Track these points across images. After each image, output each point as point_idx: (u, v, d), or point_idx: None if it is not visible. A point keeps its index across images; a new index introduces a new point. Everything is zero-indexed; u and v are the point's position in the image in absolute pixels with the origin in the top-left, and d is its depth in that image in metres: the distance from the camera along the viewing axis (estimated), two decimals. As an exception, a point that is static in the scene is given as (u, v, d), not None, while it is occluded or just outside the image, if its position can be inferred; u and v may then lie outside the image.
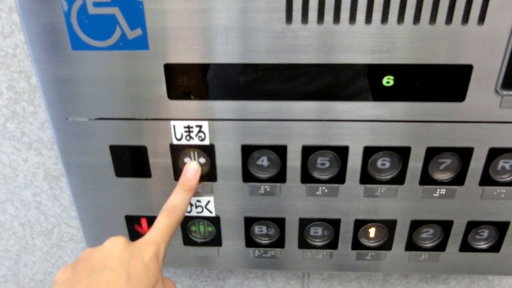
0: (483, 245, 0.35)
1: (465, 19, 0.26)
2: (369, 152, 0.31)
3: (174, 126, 0.31)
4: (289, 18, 0.26)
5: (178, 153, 0.32)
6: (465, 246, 0.35)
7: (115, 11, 0.27)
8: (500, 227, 0.34)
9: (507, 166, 0.31)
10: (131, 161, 0.32)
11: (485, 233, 0.34)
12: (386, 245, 0.35)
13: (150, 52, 0.28)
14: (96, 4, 0.26)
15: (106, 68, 0.29)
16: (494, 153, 0.30)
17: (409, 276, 0.45)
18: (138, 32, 0.27)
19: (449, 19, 0.26)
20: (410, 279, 0.45)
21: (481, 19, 0.26)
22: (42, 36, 0.28)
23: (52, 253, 0.47)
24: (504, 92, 0.28)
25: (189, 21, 0.27)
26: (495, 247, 0.35)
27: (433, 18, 0.26)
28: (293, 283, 0.46)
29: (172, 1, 0.26)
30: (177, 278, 0.47)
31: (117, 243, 0.25)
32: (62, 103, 0.31)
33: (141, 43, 0.28)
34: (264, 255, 0.37)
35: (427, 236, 0.35)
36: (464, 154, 0.31)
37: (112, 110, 0.30)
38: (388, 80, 0.28)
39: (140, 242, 0.26)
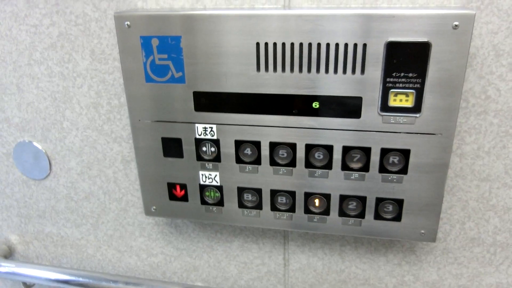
0: (388, 215, 0.53)
1: (353, 71, 0.47)
2: (309, 147, 0.51)
3: (197, 127, 0.54)
4: (258, 69, 0.49)
5: (199, 143, 0.55)
6: (377, 216, 0.54)
7: (169, 63, 0.51)
8: (398, 203, 0.52)
9: (395, 160, 0.50)
10: (172, 147, 0.56)
11: (390, 207, 0.53)
12: (326, 212, 0.55)
13: (186, 84, 0.52)
14: (159, 59, 0.51)
15: (162, 93, 0.53)
16: (385, 152, 0.50)
17: (359, 247, 0.63)
18: (180, 74, 0.51)
19: (344, 71, 0.47)
20: (359, 250, 0.63)
21: (363, 71, 0.46)
22: (131, 74, 0.53)
23: (120, 215, 0.70)
24: (382, 114, 0.48)
25: (206, 68, 0.50)
26: (397, 218, 0.53)
27: (335, 71, 0.47)
28: (277, 247, 0.66)
29: (198, 58, 0.50)
30: (200, 238, 0.69)
31: None
32: (137, 111, 0.55)
33: (181, 79, 0.51)
34: (249, 214, 0.57)
35: (351, 207, 0.54)
36: (366, 151, 0.50)
37: (164, 116, 0.54)
38: (316, 104, 0.49)
39: None
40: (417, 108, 0.47)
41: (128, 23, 0.50)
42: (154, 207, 0.61)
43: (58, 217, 0.74)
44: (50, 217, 0.74)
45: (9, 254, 0.80)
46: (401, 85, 0.46)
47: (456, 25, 0.43)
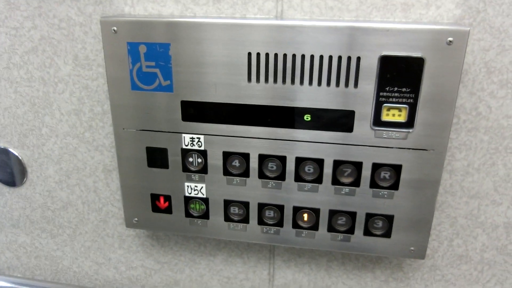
0: (378, 232, 0.52)
1: (347, 84, 0.46)
2: (299, 161, 0.50)
3: (184, 137, 0.52)
4: (249, 79, 0.47)
5: (185, 154, 0.53)
6: (367, 232, 0.52)
7: (157, 70, 0.49)
8: (388, 219, 0.51)
9: (386, 175, 0.49)
10: (157, 157, 0.53)
11: (380, 223, 0.52)
12: (314, 227, 0.53)
13: (173, 93, 0.50)
14: (147, 66, 0.49)
15: (148, 101, 0.51)
16: (376, 167, 0.49)
17: (346, 263, 0.62)
18: (168, 82, 0.49)
19: (337, 84, 0.46)
20: (347, 265, 0.62)
21: (356, 84, 0.46)
22: (116, 81, 0.51)
23: (99, 226, 0.67)
24: (375, 128, 0.47)
25: (195, 78, 0.48)
26: (387, 234, 0.52)
27: (328, 83, 0.46)
28: (262, 262, 0.64)
29: (186, 67, 0.48)
30: (182, 251, 0.66)
31: None
32: (121, 119, 0.53)
33: (169, 88, 0.50)
34: (235, 228, 0.56)
35: (341, 222, 0.53)
36: (357, 166, 0.49)
37: (149, 125, 0.52)
38: (307, 117, 0.48)
39: None
40: (410, 123, 0.46)
41: (115, 28, 0.48)
42: (136, 219, 0.58)
43: (33, 227, 0.70)
44: (24, 226, 0.71)
45: (-21, 266, 0.76)
46: (394, 99, 0.45)
47: (450, 41, 0.42)
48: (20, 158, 0.65)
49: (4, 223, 0.71)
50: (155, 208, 0.57)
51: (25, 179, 0.66)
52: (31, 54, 0.58)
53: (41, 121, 0.61)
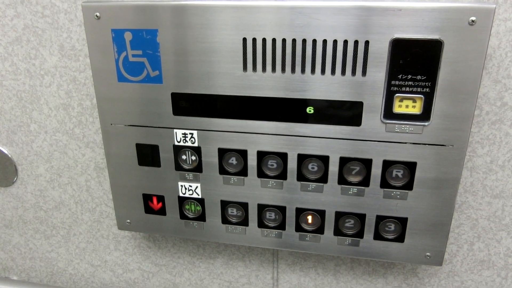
0: (390, 236, 0.47)
1: (353, 72, 0.41)
2: (301, 158, 0.45)
3: (176, 133, 0.47)
4: (245, 68, 0.43)
5: (178, 151, 0.48)
6: (377, 236, 0.48)
7: (144, 60, 0.45)
8: (401, 221, 0.46)
9: (399, 174, 0.44)
10: (148, 155, 0.49)
11: (392, 226, 0.47)
12: (320, 230, 0.49)
13: (163, 85, 0.45)
14: (133, 55, 0.45)
15: (136, 93, 0.46)
16: (388, 164, 0.44)
17: (355, 268, 0.57)
18: (156, 72, 0.45)
19: (343, 72, 0.41)
20: (356, 270, 0.57)
21: (364, 72, 0.41)
22: (101, 72, 0.47)
23: (93, 227, 0.64)
24: (386, 121, 0.42)
25: (186, 67, 0.44)
26: (400, 238, 0.47)
27: (333, 71, 0.41)
28: (265, 266, 0.60)
29: (176, 55, 0.44)
30: (180, 254, 0.62)
31: None
32: (108, 114, 0.49)
33: (158, 79, 0.45)
34: (234, 231, 0.51)
35: (349, 225, 0.48)
36: (366, 163, 0.44)
37: (138, 120, 0.48)
38: (310, 109, 0.43)
39: None
40: (425, 115, 0.41)
41: (98, 14, 0.44)
42: (129, 221, 0.54)
43: (26, 228, 0.67)
44: (17, 227, 0.68)
45: (-26, 267, 0.73)
46: (407, 89, 0.40)
47: (472, 21, 0.37)
48: (10, 155, 0.62)
49: (-4, 223, 0.68)
50: (148, 209, 0.53)
51: (15, 178, 0.63)
52: (15, 45, 0.54)
53: (29, 117, 0.58)
